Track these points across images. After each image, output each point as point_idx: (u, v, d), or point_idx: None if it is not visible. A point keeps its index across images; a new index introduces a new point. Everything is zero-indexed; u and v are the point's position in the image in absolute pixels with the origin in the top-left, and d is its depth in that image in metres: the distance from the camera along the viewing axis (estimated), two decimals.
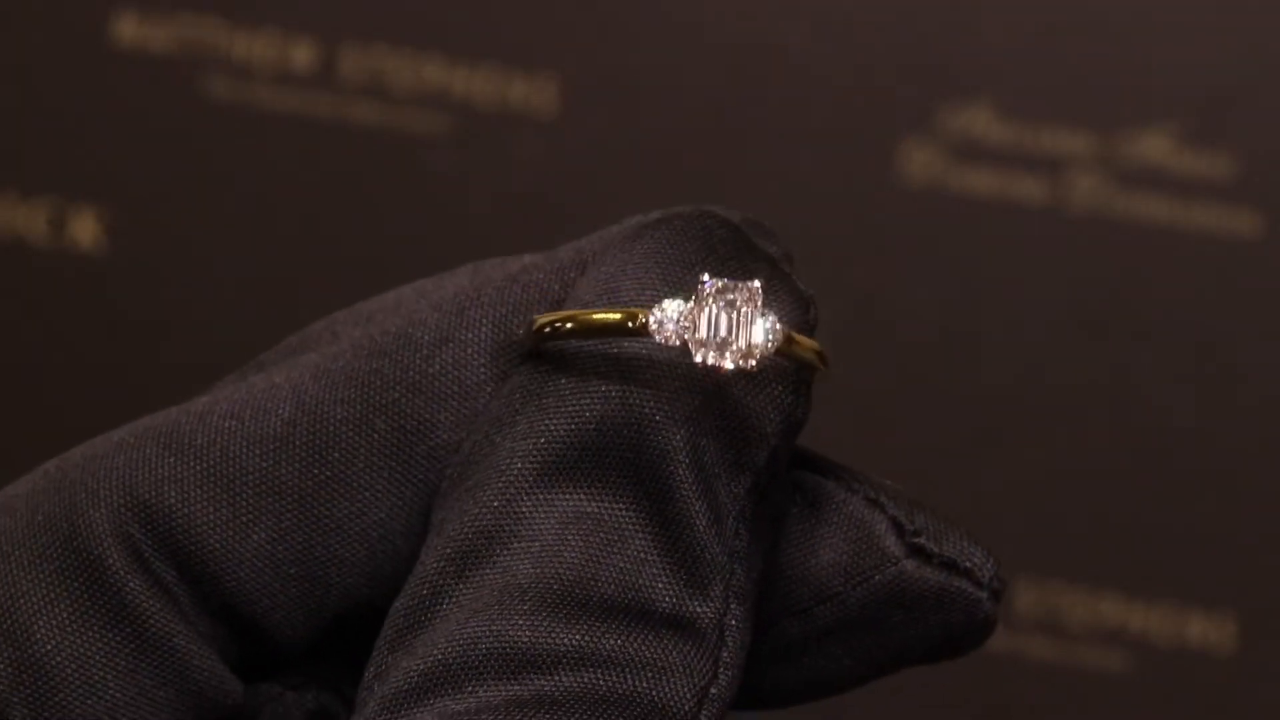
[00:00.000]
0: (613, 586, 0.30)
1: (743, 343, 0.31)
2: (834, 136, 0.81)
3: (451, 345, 0.32)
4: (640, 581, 0.30)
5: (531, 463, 0.31)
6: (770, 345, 0.31)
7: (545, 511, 0.30)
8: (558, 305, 0.32)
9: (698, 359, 0.30)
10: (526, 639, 0.30)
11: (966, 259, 0.81)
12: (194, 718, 0.32)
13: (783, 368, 0.31)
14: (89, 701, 0.31)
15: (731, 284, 0.31)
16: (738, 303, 0.31)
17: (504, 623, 0.30)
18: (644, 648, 0.30)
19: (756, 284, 0.31)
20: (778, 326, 0.31)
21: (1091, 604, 0.81)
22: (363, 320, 0.33)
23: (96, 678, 0.31)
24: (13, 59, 0.84)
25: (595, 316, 0.31)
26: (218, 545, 0.31)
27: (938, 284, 0.81)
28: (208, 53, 0.83)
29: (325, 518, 0.32)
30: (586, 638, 0.30)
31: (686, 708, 0.30)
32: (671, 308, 0.31)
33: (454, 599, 0.30)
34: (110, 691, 0.31)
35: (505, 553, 0.30)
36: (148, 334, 0.84)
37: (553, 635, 0.30)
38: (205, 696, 0.32)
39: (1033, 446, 0.81)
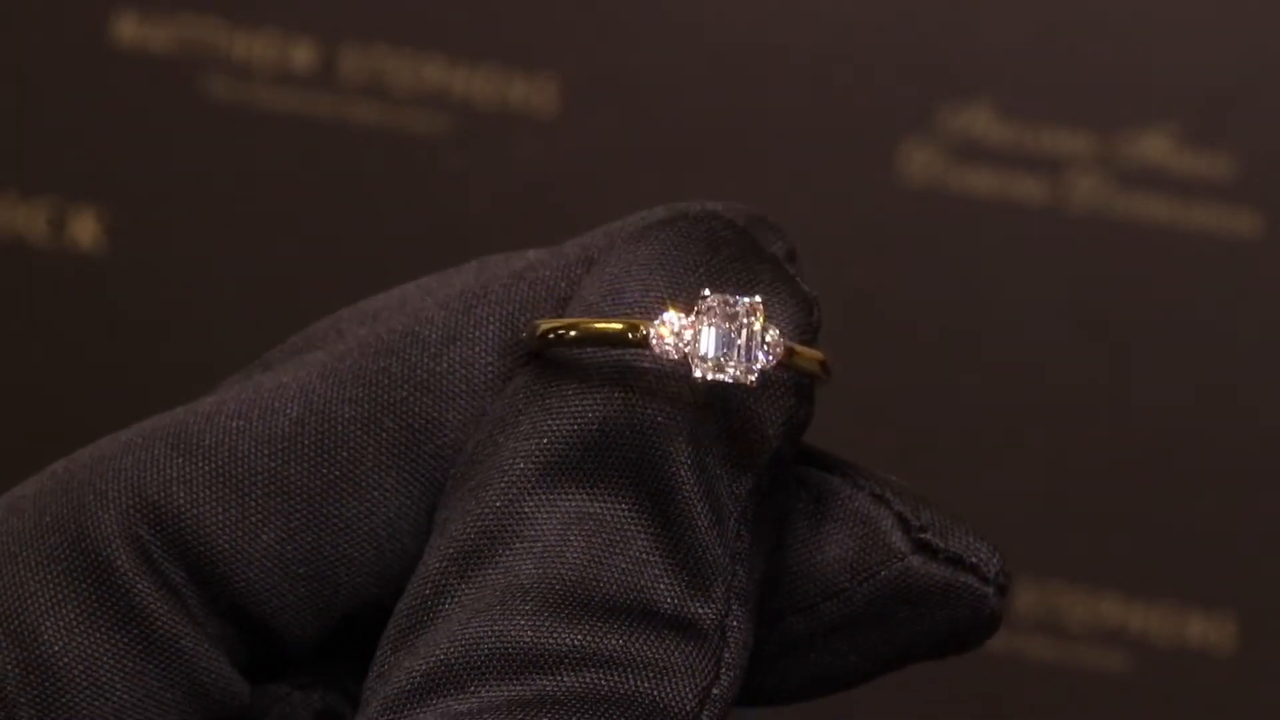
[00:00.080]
0: (615, 587, 0.30)
1: (743, 359, 0.31)
2: (834, 136, 0.81)
3: (459, 343, 0.32)
4: (642, 582, 0.30)
5: (534, 463, 0.31)
6: (770, 361, 0.31)
7: (548, 512, 0.31)
8: (564, 302, 0.32)
9: (697, 374, 0.31)
10: (529, 639, 0.30)
11: (966, 259, 0.81)
12: (200, 719, 0.32)
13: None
14: (96, 703, 0.31)
15: (732, 300, 0.31)
16: (739, 317, 0.31)
17: (506, 623, 0.30)
18: (646, 648, 0.30)
19: (758, 299, 0.31)
20: (779, 341, 0.31)
21: (1091, 604, 0.81)
22: (368, 318, 0.33)
23: (103, 679, 0.31)
24: (13, 59, 0.84)
25: (597, 325, 0.31)
26: (226, 546, 0.31)
27: (938, 284, 0.81)
28: (208, 53, 0.83)
29: (334, 517, 0.32)
30: (588, 638, 0.30)
31: (688, 708, 0.30)
32: (672, 321, 0.31)
33: (456, 599, 0.30)
34: (117, 692, 0.31)
35: (508, 553, 0.30)
36: (148, 334, 0.84)
37: (555, 635, 0.30)
38: (212, 698, 0.32)
39: (1032, 446, 0.81)
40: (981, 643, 0.33)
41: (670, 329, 0.31)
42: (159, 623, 0.31)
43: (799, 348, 0.31)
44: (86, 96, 0.83)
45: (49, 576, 0.31)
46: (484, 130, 0.82)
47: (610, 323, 0.31)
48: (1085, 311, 0.81)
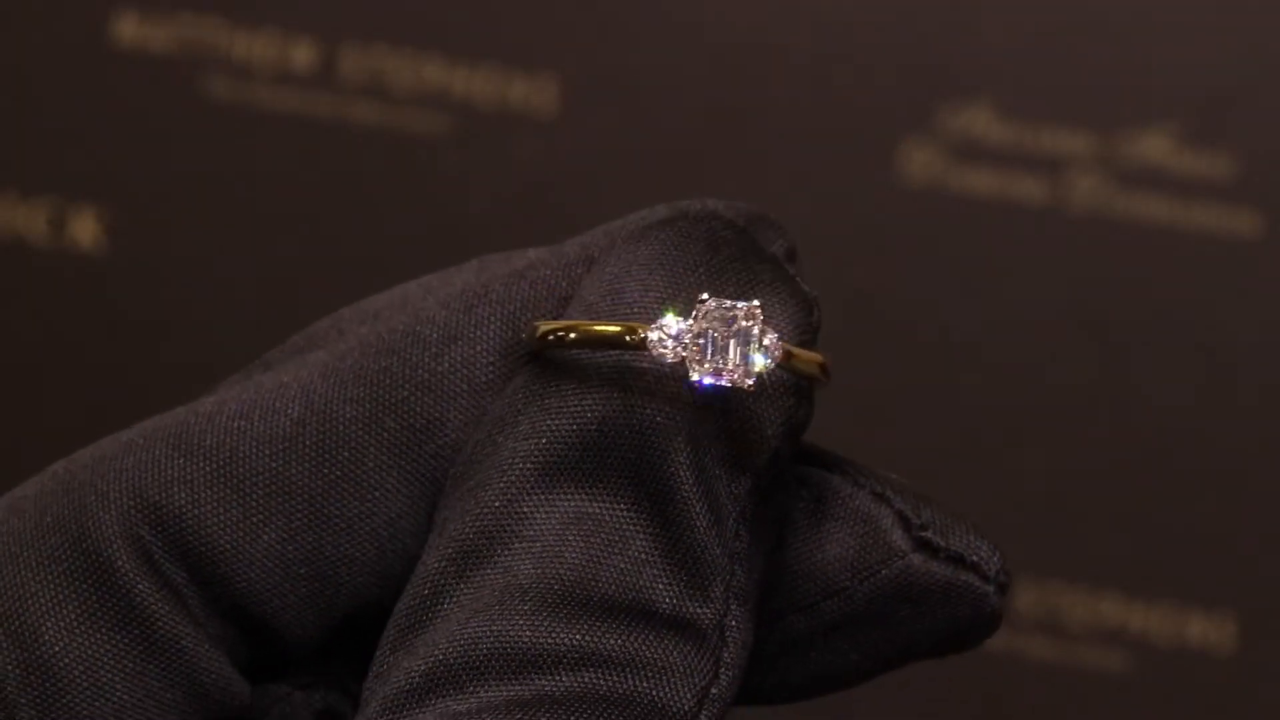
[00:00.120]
0: (613, 587, 0.30)
1: (741, 363, 0.31)
2: (834, 136, 0.81)
3: (460, 343, 0.32)
4: (641, 582, 0.30)
5: (533, 463, 0.31)
6: (769, 365, 0.31)
7: (546, 512, 0.31)
8: (565, 302, 0.32)
9: (694, 378, 0.31)
10: (527, 639, 0.30)
11: (966, 259, 0.81)
12: (201, 719, 0.32)
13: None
14: (96, 703, 0.31)
15: (730, 305, 0.31)
16: (737, 321, 0.31)
17: (505, 623, 0.30)
18: (645, 648, 0.30)
19: (756, 303, 0.31)
20: (777, 344, 0.31)
21: (1091, 604, 0.81)
22: (369, 318, 0.33)
23: (104, 679, 0.31)
24: (13, 59, 0.84)
25: (596, 328, 0.31)
26: (228, 546, 0.31)
27: (938, 284, 0.81)
28: (208, 53, 0.83)
29: (335, 517, 0.32)
30: (587, 638, 0.30)
31: (687, 708, 0.30)
32: (671, 324, 0.31)
33: (455, 599, 0.30)
34: (118, 693, 0.31)
35: (506, 553, 0.30)
36: (148, 334, 0.84)
37: (554, 635, 0.30)
38: (212, 698, 0.32)
39: (1032, 446, 0.81)
40: (982, 641, 0.33)
41: (668, 333, 0.31)
42: (160, 623, 0.31)
43: (797, 351, 0.31)
44: (86, 96, 0.83)
45: (50, 577, 0.31)
46: (484, 130, 0.82)
47: (608, 325, 0.31)
48: (1085, 311, 0.81)
